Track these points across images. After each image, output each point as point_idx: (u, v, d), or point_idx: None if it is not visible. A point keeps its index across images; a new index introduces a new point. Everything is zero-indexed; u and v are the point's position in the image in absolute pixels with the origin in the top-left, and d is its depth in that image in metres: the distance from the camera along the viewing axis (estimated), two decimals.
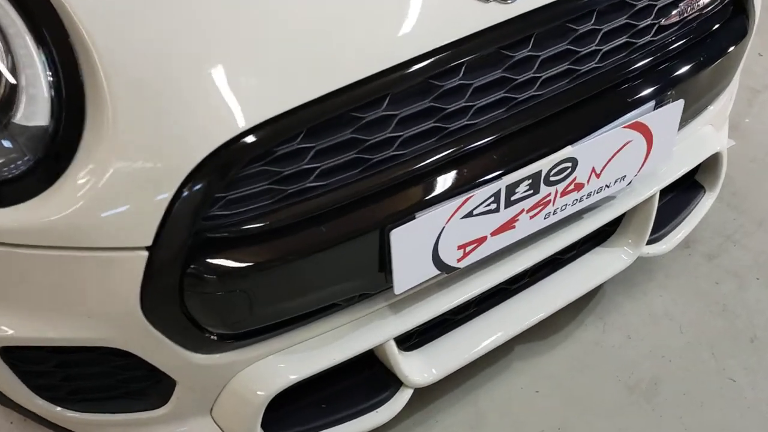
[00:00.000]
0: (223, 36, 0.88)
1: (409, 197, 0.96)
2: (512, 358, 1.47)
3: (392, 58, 0.90)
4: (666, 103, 1.14)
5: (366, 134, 0.91)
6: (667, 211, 1.44)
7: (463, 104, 0.97)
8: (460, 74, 0.95)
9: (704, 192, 1.48)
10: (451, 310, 1.16)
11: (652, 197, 1.29)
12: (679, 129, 1.29)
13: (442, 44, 0.92)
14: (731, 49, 1.23)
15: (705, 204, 1.47)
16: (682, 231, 1.43)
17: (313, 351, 1.05)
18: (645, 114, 1.12)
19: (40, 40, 0.86)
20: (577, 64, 1.06)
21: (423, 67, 0.92)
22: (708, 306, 1.56)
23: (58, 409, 1.03)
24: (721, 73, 1.26)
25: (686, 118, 1.28)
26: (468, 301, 1.17)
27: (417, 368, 1.15)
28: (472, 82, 0.97)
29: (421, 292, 1.11)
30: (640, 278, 1.61)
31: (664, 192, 1.41)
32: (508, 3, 0.96)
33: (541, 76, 1.03)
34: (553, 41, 1.02)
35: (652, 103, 1.13)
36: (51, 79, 0.85)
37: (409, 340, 1.18)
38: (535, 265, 1.23)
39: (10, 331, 0.92)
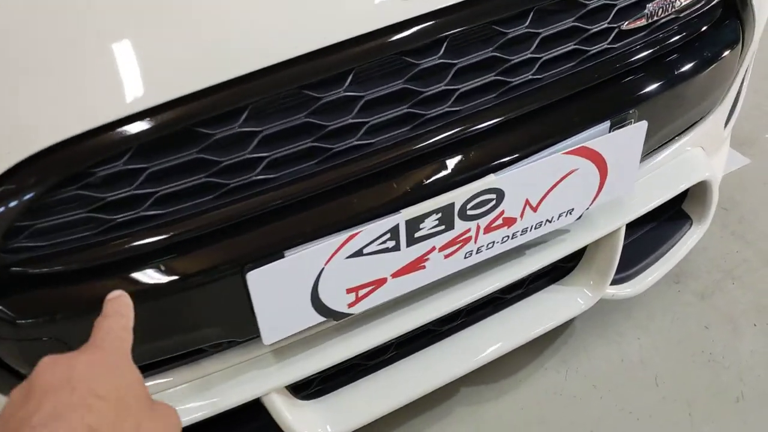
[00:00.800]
0: (41, 38, 0.72)
1: (274, 232, 0.78)
2: (456, 402, 1.29)
3: (252, 63, 0.72)
4: (624, 125, 0.94)
5: (216, 154, 0.74)
6: (644, 244, 1.24)
7: (351, 120, 0.79)
8: (346, 83, 0.77)
9: (691, 224, 1.26)
10: (358, 356, 0.98)
11: (615, 232, 1.09)
12: (652, 152, 1.09)
13: (322, 46, 0.75)
14: (718, 60, 1.02)
15: (690, 239, 1.25)
16: (657, 271, 1.22)
17: (173, 403, 0.88)
18: (595, 138, 0.92)
19: None
20: (506, 75, 0.86)
21: (293, 73, 0.74)
22: (692, 354, 1.34)
23: None
24: (705, 88, 1.05)
25: (661, 140, 1.08)
26: (379, 346, 0.99)
27: (309, 423, 0.97)
28: (363, 94, 0.79)
29: (314, 337, 0.93)
30: (617, 316, 1.40)
31: (642, 222, 1.21)
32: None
33: (457, 89, 0.84)
34: (475, 46, 0.83)
35: (606, 125, 0.93)
36: None
37: (308, 388, 1.01)
38: (466, 307, 1.04)
39: None
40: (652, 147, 1.06)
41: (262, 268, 0.77)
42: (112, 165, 0.70)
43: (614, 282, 1.17)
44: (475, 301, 1.03)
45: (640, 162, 1.06)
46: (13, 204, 0.68)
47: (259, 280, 0.78)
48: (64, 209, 0.71)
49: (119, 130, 0.69)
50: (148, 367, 0.84)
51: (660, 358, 1.34)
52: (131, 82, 0.69)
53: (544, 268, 1.06)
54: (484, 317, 1.11)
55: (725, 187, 1.65)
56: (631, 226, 1.16)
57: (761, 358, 1.33)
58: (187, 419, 0.89)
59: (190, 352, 0.86)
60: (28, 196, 0.68)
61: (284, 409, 0.95)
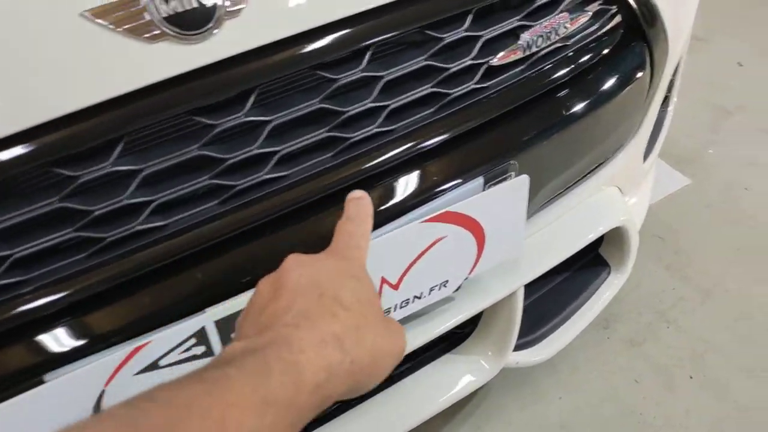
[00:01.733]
0: None
1: (28, 353, 0.60)
2: None
3: None
4: (501, 180, 0.77)
5: None
6: (554, 300, 1.07)
7: (108, 207, 0.61)
8: (112, 157, 0.59)
9: (609, 271, 1.09)
10: None
11: (512, 296, 0.92)
12: (551, 200, 0.92)
13: (65, 112, 0.57)
14: (622, 91, 0.85)
15: (608, 290, 1.08)
16: (571, 330, 1.05)
17: None
18: (466, 198, 0.74)
19: None
20: (342, 131, 0.69)
21: (35, 151, 0.56)
22: (620, 415, 1.18)
23: None
24: (609, 124, 0.88)
25: (559, 187, 0.91)
26: None
27: None
28: (137, 168, 0.61)
29: None
30: (538, 371, 1.24)
31: (550, 273, 1.04)
32: (195, 43, 0.59)
33: (270, 157, 0.66)
34: (294, 98, 0.66)
35: (478, 182, 0.76)
36: None
37: None
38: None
39: None
40: (548, 196, 0.89)
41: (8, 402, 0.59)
42: None
43: (518, 347, 1.00)
44: None
45: (539, 210, 0.90)
46: None
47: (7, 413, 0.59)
48: None
49: None
50: None
51: (583, 420, 1.17)
52: None
53: (429, 341, 0.89)
54: (366, 398, 0.94)
55: (662, 212, 1.50)
56: (538, 280, 0.99)
57: (699, 418, 1.17)
58: None
59: None
60: None
61: None
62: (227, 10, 0.59)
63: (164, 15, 0.57)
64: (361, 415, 0.93)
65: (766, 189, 1.55)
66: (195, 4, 0.58)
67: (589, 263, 1.10)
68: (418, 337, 0.86)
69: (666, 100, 1.13)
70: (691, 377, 1.22)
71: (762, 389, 1.19)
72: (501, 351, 0.97)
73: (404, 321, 0.85)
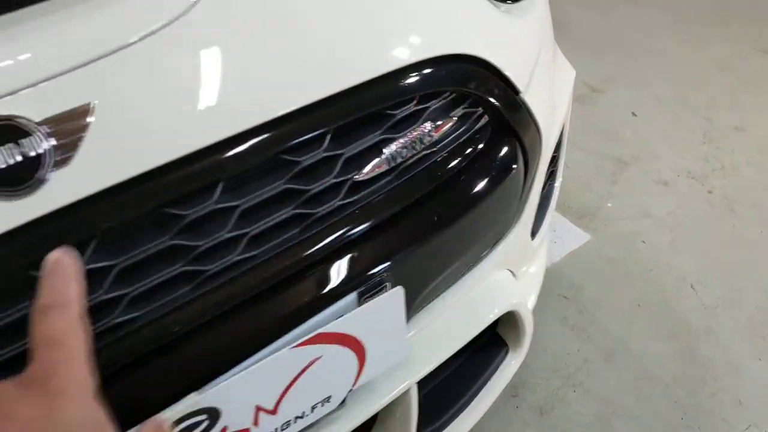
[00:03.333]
0: None
1: None
2: None
3: None
4: (376, 293, 0.75)
5: None
6: (454, 384, 1.05)
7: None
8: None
9: (507, 351, 1.09)
10: None
11: (405, 393, 0.89)
12: (439, 292, 0.91)
13: None
14: (496, 187, 0.85)
15: (507, 368, 1.07)
16: (474, 412, 1.03)
17: None
18: (339, 317, 0.72)
19: None
20: (197, 264, 0.65)
21: None
22: None
23: None
24: (486, 219, 0.87)
25: (443, 285, 0.89)
26: None
27: None
28: None
29: None
30: None
31: (449, 358, 1.02)
32: (18, 197, 0.55)
33: (107, 296, 0.62)
34: (143, 238, 0.62)
35: (352, 297, 0.73)
36: None
37: None
38: None
39: None
40: (431, 296, 0.87)
41: None
42: None
43: None
44: None
45: (427, 305, 0.88)
46: None
47: None
48: None
49: None
50: None
51: None
52: None
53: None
54: None
55: (566, 269, 1.51)
56: (434, 370, 0.97)
57: None
58: None
59: None
60: None
61: None
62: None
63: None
64: None
65: (661, 241, 1.58)
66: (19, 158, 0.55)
67: (487, 343, 1.09)
68: None
69: (552, 174, 1.14)
70: None
71: None
72: None
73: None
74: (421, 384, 0.93)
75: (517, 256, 1.04)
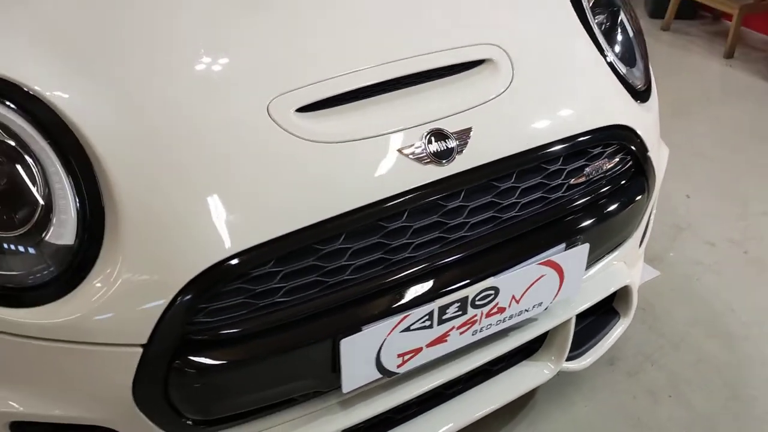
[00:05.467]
0: (216, 186, 1.09)
1: (357, 313, 1.14)
2: None
3: (348, 205, 1.11)
4: (574, 246, 1.34)
5: (324, 262, 1.11)
6: (588, 332, 1.62)
7: (405, 241, 1.17)
8: (404, 218, 1.16)
9: (619, 318, 1.66)
10: (393, 409, 1.31)
11: (568, 321, 1.48)
12: (592, 265, 1.50)
13: (391, 194, 1.14)
14: (631, 205, 1.45)
15: (618, 328, 1.64)
16: (598, 351, 1.60)
17: None
18: (556, 254, 1.32)
19: (71, 176, 1.06)
20: (499, 213, 1.27)
21: (373, 212, 1.12)
22: (625, 418, 1.71)
23: None
24: (623, 223, 1.48)
25: (597, 256, 1.49)
26: (408, 401, 1.33)
27: None
28: (412, 224, 1.17)
29: (367, 393, 1.27)
30: (569, 389, 1.77)
31: (585, 315, 1.60)
32: (443, 165, 1.18)
33: (469, 221, 1.23)
34: (480, 195, 1.24)
35: (562, 246, 1.33)
36: (78, 206, 1.05)
37: None
38: (467, 373, 1.39)
39: (21, 408, 1.07)
40: (591, 261, 1.47)
41: (349, 337, 1.12)
42: (262, 267, 1.06)
43: (568, 359, 1.54)
44: (474, 370, 1.38)
45: (585, 271, 1.47)
46: (201, 292, 1.02)
47: (347, 346, 1.12)
48: (229, 296, 1.05)
49: (269, 246, 1.05)
50: (261, 410, 1.16)
51: (601, 421, 1.70)
52: (269, 220, 1.07)
53: (520, 345, 1.43)
54: (478, 384, 1.46)
55: (643, 292, 2.08)
56: (579, 319, 1.54)
57: (676, 422, 1.70)
58: None
59: (285, 401, 1.18)
60: (214, 288, 1.02)
61: None
62: (458, 149, 1.19)
63: (433, 151, 1.16)
64: (478, 393, 1.45)
65: (710, 280, 2.16)
66: (441, 148, 1.18)
67: (607, 311, 1.67)
68: (519, 339, 1.41)
69: (651, 210, 1.75)
70: (670, 396, 1.76)
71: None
72: (559, 358, 1.51)
73: (514, 327, 1.40)
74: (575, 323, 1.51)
75: (631, 255, 1.63)
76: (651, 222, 1.75)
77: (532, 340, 1.46)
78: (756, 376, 1.83)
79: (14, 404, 1.07)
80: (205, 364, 1.05)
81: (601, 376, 1.81)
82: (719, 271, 2.21)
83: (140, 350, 1.02)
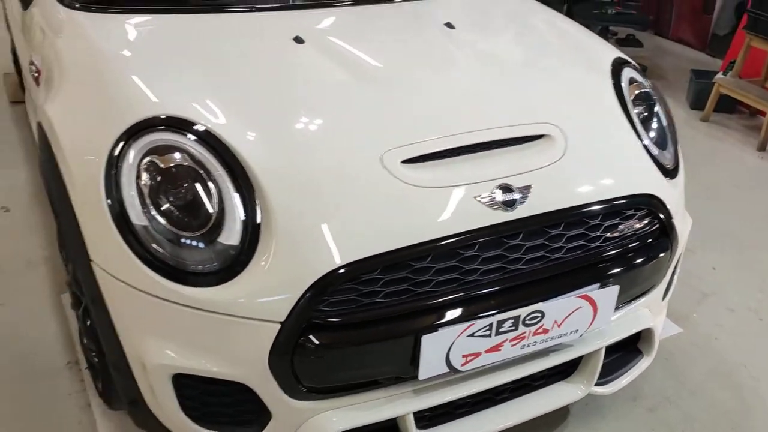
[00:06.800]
0: (340, 211, 1.45)
1: (435, 317, 1.47)
2: None
3: (435, 234, 1.46)
4: (607, 286, 1.66)
5: (415, 275, 1.45)
6: (615, 365, 1.90)
7: (475, 266, 1.51)
8: (475, 248, 1.50)
9: (642, 356, 1.94)
10: (451, 404, 1.62)
11: (599, 350, 1.77)
12: (621, 307, 1.81)
13: (467, 229, 1.49)
14: (655, 259, 1.76)
15: (642, 365, 1.93)
16: (623, 380, 1.88)
17: (358, 412, 1.51)
18: (592, 291, 1.64)
19: (239, 194, 1.43)
20: (548, 253, 1.60)
21: (453, 241, 1.47)
22: None
23: (195, 426, 1.49)
24: (649, 274, 1.78)
25: (626, 299, 1.80)
26: (464, 399, 1.64)
27: None
28: (481, 254, 1.51)
29: (435, 385, 1.58)
30: (596, 418, 2.04)
31: (614, 350, 1.89)
32: (508, 211, 1.53)
33: (524, 257, 1.57)
34: (535, 237, 1.58)
35: (597, 285, 1.65)
36: (243, 216, 1.42)
37: (422, 422, 1.64)
38: (514, 383, 1.69)
39: (184, 363, 1.42)
40: (621, 302, 1.77)
41: (428, 335, 1.45)
42: (369, 274, 1.41)
43: (597, 384, 1.83)
44: (520, 380, 1.69)
45: (614, 311, 1.77)
46: (326, 287, 1.37)
47: (426, 342, 1.45)
48: (343, 292, 1.40)
49: (378, 258, 1.41)
50: (353, 387, 1.49)
51: None
52: (377, 239, 1.42)
53: (558, 365, 1.73)
54: (522, 395, 1.76)
55: (667, 345, 2.36)
56: (608, 352, 1.83)
57: None
58: (358, 422, 1.51)
59: (372, 381, 1.51)
60: (336, 284, 1.38)
61: (413, 428, 1.57)
62: (521, 201, 1.54)
63: (502, 201, 1.51)
64: (516, 403, 1.74)
65: (727, 339, 2.42)
66: (507, 198, 1.53)
67: (632, 350, 1.95)
68: (557, 359, 1.71)
69: (675, 269, 2.04)
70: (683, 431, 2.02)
71: None
72: (590, 382, 1.80)
73: (554, 349, 1.70)
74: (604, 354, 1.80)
75: (655, 304, 1.93)
76: (675, 280, 2.05)
77: (567, 363, 1.77)
78: (761, 421, 2.07)
79: (179, 359, 1.42)
80: (321, 343, 1.39)
81: (625, 408, 2.08)
82: (736, 333, 2.47)
83: (278, 326, 1.37)
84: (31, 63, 1.99)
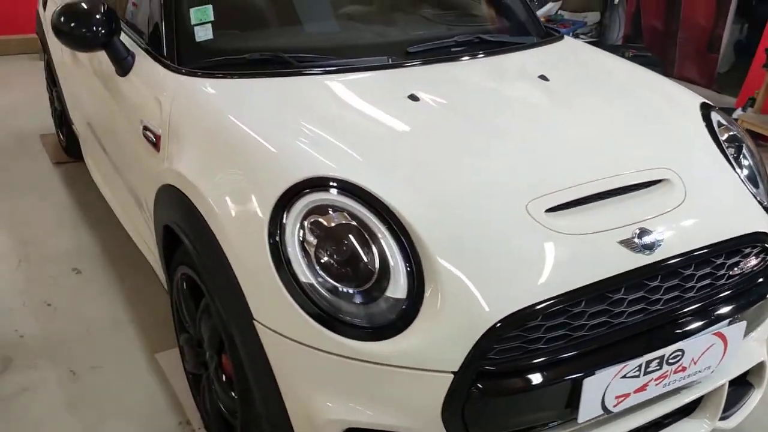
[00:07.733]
0: (493, 260, 1.49)
1: (593, 361, 1.50)
2: None
3: (584, 280, 1.50)
4: (736, 322, 1.71)
5: (571, 320, 1.49)
6: (732, 399, 1.94)
7: (622, 309, 1.55)
8: (622, 291, 1.55)
9: (754, 388, 1.98)
10: None
11: (723, 384, 1.81)
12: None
13: (616, 273, 1.53)
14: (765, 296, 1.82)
15: (756, 397, 1.97)
16: (742, 413, 1.92)
17: None
18: (723, 327, 1.68)
19: (401, 249, 1.47)
20: (683, 293, 1.65)
21: (602, 285, 1.52)
22: None
23: None
24: (762, 309, 1.84)
25: (746, 332, 1.84)
26: None
27: None
28: (627, 296, 1.56)
29: (586, 427, 1.60)
30: None
31: (732, 384, 1.92)
32: (647, 254, 1.58)
33: (662, 298, 1.61)
34: (671, 277, 1.63)
35: (727, 321, 1.70)
36: (407, 271, 1.46)
37: None
38: (649, 423, 1.72)
39: (358, 417, 1.43)
40: (744, 334, 1.82)
41: (589, 378, 1.48)
42: (533, 322, 1.44)
43: (720, 418, 1.86)
44: (656, 419, 1.71)
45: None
46: (496, 336, 1.40)
47: (587, 385, 1.48)
48: (510, 340, 1.43)
49: (538, 308, 1.44)
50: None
51: None
52: (533, 289, 1.46)
53: (688, 403, 1.77)
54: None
55: None
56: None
57: None
58: None
59: (534, 426, 1.53)
60: (505, 333, 1.41)
61: None
62: (658, 243, 1.59)
63: (642, 244, 1.57)
64: None
65: None
66: (648, 241, 1.58)
67: (743, 383, 1.99)
68: (684, 399, 1.74)
69: None
70: None
71: None
72: (714, 417, 1.83)
73: (685, 386, 1.74)
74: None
75: (761, 336, 1.97)
76: None
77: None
78: None
79: (352, 414, 1.44)
80: (491, 390, 1.41)
81: None
82: None
83: (451, 376, 1.40)
84: (146, 128, 2.03)
